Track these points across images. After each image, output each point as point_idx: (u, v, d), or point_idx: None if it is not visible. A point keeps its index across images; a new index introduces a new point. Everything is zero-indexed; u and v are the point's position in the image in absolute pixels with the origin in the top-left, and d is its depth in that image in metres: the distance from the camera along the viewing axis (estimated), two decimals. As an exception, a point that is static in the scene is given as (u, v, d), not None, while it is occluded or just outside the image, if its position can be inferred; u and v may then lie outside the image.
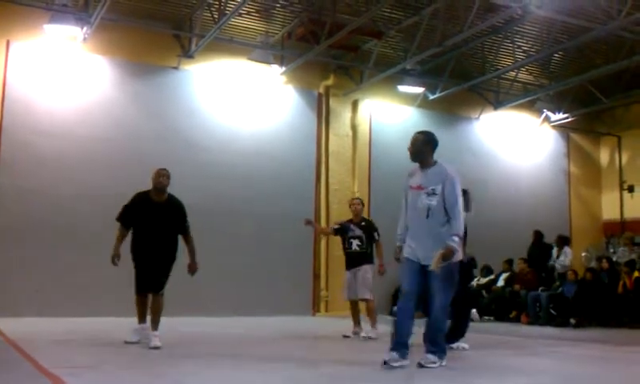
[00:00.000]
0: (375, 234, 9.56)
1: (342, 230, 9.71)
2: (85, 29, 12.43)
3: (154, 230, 7.72)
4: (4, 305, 11.30)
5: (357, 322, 9.59)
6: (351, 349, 8.54)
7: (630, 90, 16.21)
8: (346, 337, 9.42)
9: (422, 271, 6.08)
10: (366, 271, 9.45)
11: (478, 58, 15.47)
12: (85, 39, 12.74)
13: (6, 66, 12.48)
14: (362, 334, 9.32)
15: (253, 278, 13.90)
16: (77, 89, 13.05)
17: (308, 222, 10.42)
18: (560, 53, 14.94)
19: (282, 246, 14.33)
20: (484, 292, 14.72)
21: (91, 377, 5.51)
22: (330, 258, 14.90)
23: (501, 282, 14.70)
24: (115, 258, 7.67)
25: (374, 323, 9.44)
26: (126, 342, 7.71)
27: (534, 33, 14.19)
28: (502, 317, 14.02)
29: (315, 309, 14.75)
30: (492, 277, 15.01)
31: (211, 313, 12.90)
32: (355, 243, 9.52)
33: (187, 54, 13.74)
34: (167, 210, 7.79)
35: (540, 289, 13.61)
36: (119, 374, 5.75)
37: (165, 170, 7.85)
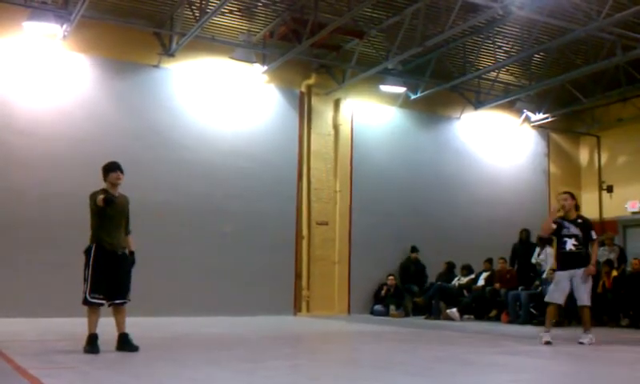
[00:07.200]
0: (592, 233, 9.00)
1: (558, 228, 9.00)
2: (65, 26, 12.32)
3: None
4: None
5: (550, 326, 9.04)
6: (331, 348, 8.51)
7: (610, 90, 16.33)
8: (548, 343, 8.71)
9: None
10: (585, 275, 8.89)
11: (459, 58, 15.52)
12: (65, 37, 12.62)
13: (-17, 64, 12.34)
14: (582, 340, 8.81)
15: (234, 278, 13.84)
16: (56, 87, 12.91)
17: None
18: (540, 53, 15.05)
19: (263, 246, 14.29)
20: (465, 291, 14.81)
21: (69, 377, 5.46)
22: (311, 258, 14.89)
23: (481, 282, 14.78)
24: None
25: (589, 328, 8.94)
26: None
27: (514, 33, 14.27)
28: (482, 316, 14.12)
29: (297, 308, 14.72)
30: (472, 276, 15.10)
31: (190, 313, 12.85)
32: (570, 242, 8.88)
33: (168, 53, 13.65)
34: None
35: (520, 288, 13.70)
36: (97, 375, 5.69)
37: None
